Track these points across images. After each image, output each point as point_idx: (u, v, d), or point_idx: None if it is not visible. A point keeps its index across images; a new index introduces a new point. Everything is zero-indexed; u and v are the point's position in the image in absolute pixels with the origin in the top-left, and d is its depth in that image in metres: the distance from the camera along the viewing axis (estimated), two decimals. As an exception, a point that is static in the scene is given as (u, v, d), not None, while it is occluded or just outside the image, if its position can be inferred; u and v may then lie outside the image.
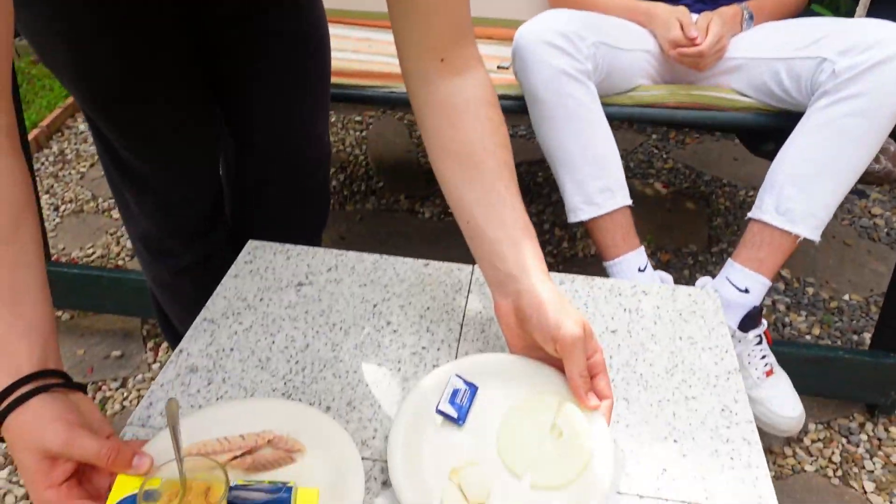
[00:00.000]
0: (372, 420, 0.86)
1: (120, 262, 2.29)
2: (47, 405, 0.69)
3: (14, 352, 0.70)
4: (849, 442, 1.75)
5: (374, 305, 1.04)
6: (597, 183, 1.44)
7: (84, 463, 0.69)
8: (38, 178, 2.71)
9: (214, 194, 1.39)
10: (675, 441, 0.83)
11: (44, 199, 2.60)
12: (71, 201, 2.60)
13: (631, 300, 1.05)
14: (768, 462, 1.63)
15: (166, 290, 1.49)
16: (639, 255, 1.51)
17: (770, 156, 1.49)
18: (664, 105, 1.64)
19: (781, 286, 2.16)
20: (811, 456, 1.73)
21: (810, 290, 2.15)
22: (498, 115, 0.89)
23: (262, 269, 1.11)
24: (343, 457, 0.76)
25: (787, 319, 2.06)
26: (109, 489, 0.70)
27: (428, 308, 1.03)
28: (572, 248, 2.33)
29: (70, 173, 2.77)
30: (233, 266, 1.12)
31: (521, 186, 0.90)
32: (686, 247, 2.33)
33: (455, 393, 0.83)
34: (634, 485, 0.78)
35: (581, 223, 1.53)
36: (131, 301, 1.94)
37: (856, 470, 1.69)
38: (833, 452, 1.73)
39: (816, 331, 2.02)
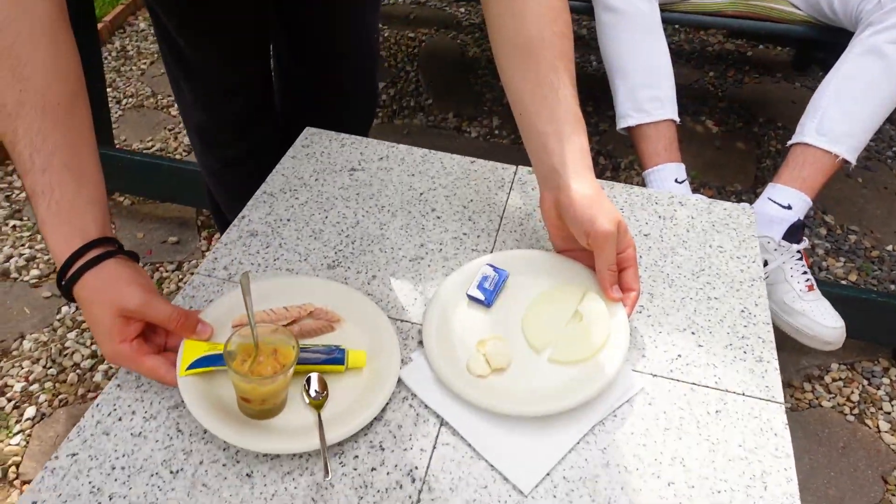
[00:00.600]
0: (412, 290, 0.93)
1: (177, 157, 2.40)
2: (120, 269, 0.76)
3: (83, 217, 0.76)
4: (870, 384, 1.79)
5: (421, 193, 1.10)
6: (648, 92, 1.49)
7: (148, 323, 0.77)
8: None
9: (264, 88, 1.45)
10: (692, 333, 0.89)
11: (107, 92, 2.70)
12: (132, 96, 2.70)
13: (667, 209, 1.09)
14: (786, 394, 1.68)
15: (217, 179, 1.58)
16: (678, 168, 1.55)
17: (820, 64, 1.56)
18: (724, 14, 1.71)
19: (823, 231, 2.15)
20: (830, 393, 1.77)
21: (852, 238, 2.14)
22: (561, 2, 0.91)
23: (318, 153, 1.18)
24: (377, 325, 0.84)
25: (824, 264, 2.06)
26: (166, 347, 0.80)
27: (471, 200, 1.09)
28: (615, 178, 2.34)
29: (131, 69, 2.86)
30: (291, 148, 1.18)
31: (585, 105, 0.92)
32: (731, 185, 2.32)
33: (484, 279, 0.90)
34: (650, 365, 0.85)
35: (628, 135, 1.58)
36: (188, 192, 2.05)
37: (873, 410, 1.73)
38: (853, 392, 1.76)
39: (853, 277, 2.02)
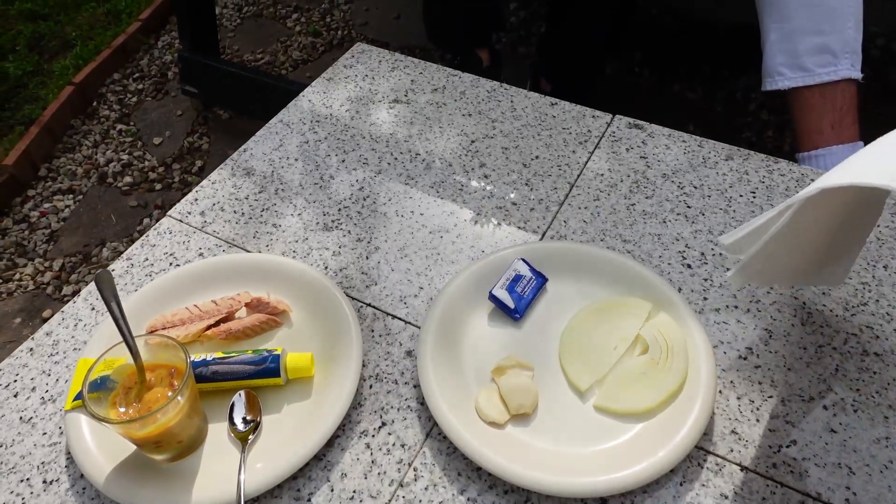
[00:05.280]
0: (421, 275, 0.69)
1: (283, 72, 2.27)
2: None
3: None
4: None
5: (473, 141, 0.83)
6: (813, 39, 1.01)
7: None
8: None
9: None
10: (824, 408, 0.57)
11: (231, -2, 2.62)
12: (253, 4, 2.59)
13: (825, 200, 0.73)
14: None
15: None
16: (850, 152, 1.08)
17: None
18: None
19: None
20: None
21: None
22: None
23: (361, 76, 0.94)
24: (336, 315, 0.61)
25: None
26: None
27: (536, 157, 0.80)
28: (778, 140, 1.87)
29: (260, -24, 2.74)
30: (331, 67, 0.95)
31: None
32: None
33: (517, 279, 0.63)
34: (739, 449, 0.55)
35: (780, 95, 1.12)
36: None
37: None
38: None
39: None
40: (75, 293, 1.65)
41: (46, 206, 1.85)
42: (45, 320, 1.62)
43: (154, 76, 2.28)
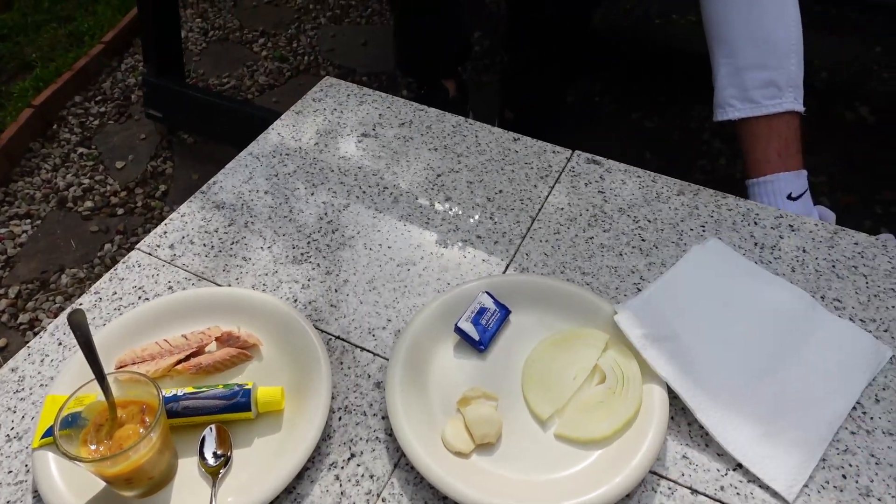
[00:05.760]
0: (389, 308, 0.71)
1: (249, 96, 2.27)
2: None
3: None
4: None
5: (439, 175, 0.86)
6: (760, 74, 1.09)
7: None
8: (194, 2, 2.74)
9: None
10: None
11: (196, 22, 2.62)
12: (220, 28, 2.60)
13: (770, 234, 0.78)
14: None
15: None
16: (796, 179, 1.15)
17: None
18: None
19: None
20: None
21: None
22: None
23: (330, 109, 0.96)
24: (306, 348, 0.63)
25: None
26: None
27: (500, 191, 0.84)
28: (730, 168, 1.96)
29: (224, 1, 2.75)
30: (298, 101, 0.98)
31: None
32: (879, 193, 1.87)
33: (481, 312, 0.66)
34: (690, 473, 0.58)
35: (731, 125, 1.19)
36: (249, 137, 1.92)
37: None
38: None
39: None
40: (32, 321, 1.62)
41: (2, 231, 1.81)
42: (0, 349, 1.58)
43: (117, 99, 2.26)
